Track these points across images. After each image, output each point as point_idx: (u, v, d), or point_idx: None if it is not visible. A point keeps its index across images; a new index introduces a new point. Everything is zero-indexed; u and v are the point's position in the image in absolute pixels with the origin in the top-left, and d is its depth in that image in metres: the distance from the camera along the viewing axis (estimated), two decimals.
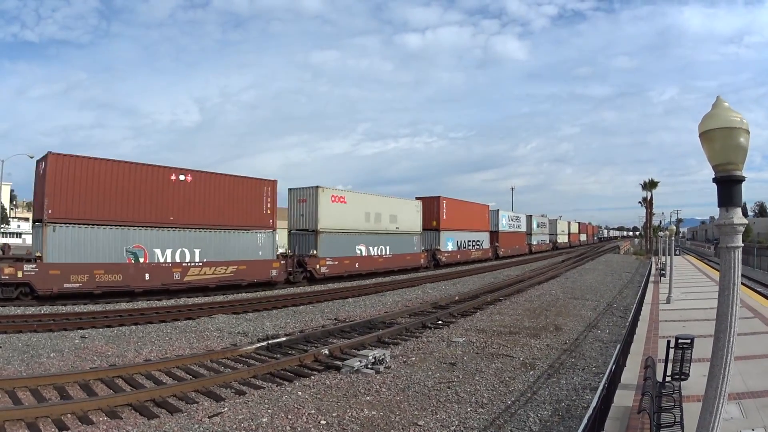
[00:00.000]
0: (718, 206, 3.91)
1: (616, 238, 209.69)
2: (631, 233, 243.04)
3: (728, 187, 3.87)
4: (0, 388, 9.67)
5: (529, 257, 64.38)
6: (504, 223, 62.53)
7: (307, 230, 32.49)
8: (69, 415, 8.53)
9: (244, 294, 25.34)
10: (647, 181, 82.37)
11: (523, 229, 71.12)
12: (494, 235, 59.32)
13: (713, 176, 3.91)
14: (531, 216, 75.85)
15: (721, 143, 3.80)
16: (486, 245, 56.46)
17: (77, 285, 20.52)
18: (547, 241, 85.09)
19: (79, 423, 8.29)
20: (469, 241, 51.72)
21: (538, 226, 79.78)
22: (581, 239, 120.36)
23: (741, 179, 3.84)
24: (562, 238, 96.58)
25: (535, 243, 75.41)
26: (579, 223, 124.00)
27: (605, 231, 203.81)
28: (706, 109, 3.96)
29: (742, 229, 3.87)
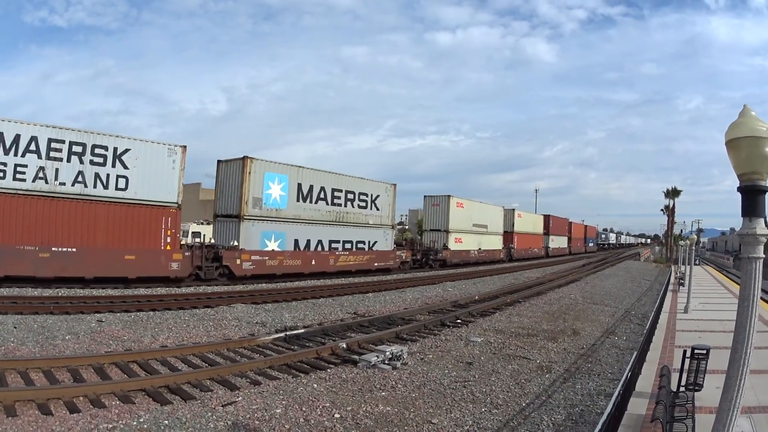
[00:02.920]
0: (742, 216, 3.90)
1: (634, 245, 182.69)
2: (644, 240, 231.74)
3: (752, 196, 3.86)
4: (13, 369, 9.75)
5: None
6: None
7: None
8: (81, 398, 8.58)
9: (264, 285, 25.50)
10: (670, 189, 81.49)
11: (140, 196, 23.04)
12: None
13: (737, 185, 3.90)
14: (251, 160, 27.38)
15: (747, 152, 3.79)
16: None
17: None
18: (386, 245, 36.78)
19: (91, 406, 8.33)
20: None
21: (316, 199, 31.43)
22: (549, 246, 71.77)
23: (765, 189, 3.83)
24: (479, 242, 49.29)
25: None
26: (548, 216, 73.27)
27: (614, 235, 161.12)
28: (731, 119, 3.95)
29: (764, 239, 3.86)
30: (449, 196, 45.06)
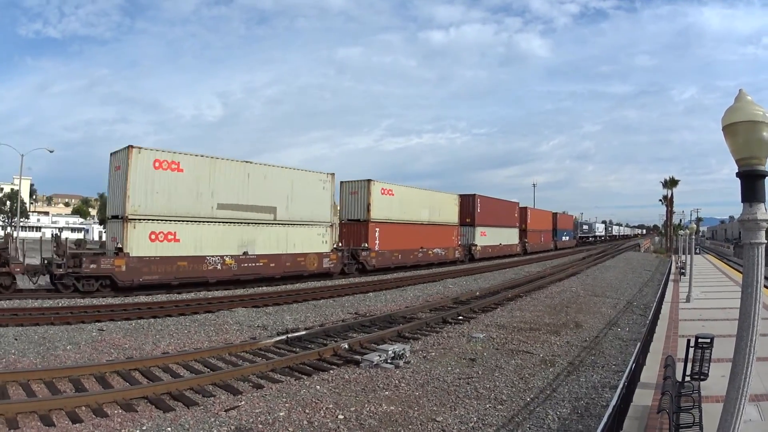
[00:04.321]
0: (742, 201, 3.86)
1: (630, 237, 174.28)
2: (641, 231, 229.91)
3: (751, 181, 3.82)
4: (14, 381, 9.68)
5: None
6: None
7: None
8: (83, 408, 8.54)
9: (264, 288, 25.40)
10: (668, 179, 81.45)
11: None
12: None
13: (736, 171, 3.86)
14: None
15: (745, 137, 3.75)
16: None
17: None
18: None
19: (94, 416, 8.29)
20: None
21: None
22: (476, 244, 46.38)
23: (765, 174, 3.79)
24: (244, 241, 25.29)
25: None
26: (471, 197, 46.80)
27: (601, 226, 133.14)
28: (726, 108, 3.91)
29: (766, 225, 3.82)
30: (130, 146, 21.67)
